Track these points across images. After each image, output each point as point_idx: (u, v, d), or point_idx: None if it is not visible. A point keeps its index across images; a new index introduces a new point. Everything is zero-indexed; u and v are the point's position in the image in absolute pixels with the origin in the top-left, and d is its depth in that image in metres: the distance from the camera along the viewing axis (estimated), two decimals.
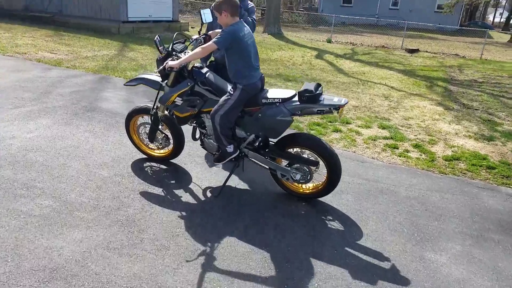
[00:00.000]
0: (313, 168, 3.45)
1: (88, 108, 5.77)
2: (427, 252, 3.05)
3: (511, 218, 3.64)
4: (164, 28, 15.22)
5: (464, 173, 4.58)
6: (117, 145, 4.52)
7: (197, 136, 3.86)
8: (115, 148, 4.43)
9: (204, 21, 3.78)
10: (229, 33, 3.17)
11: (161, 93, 3.67)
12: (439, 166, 4.73)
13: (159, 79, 3.70)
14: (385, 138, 5.48)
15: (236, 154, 3.55)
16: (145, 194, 3.53)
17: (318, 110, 3.20)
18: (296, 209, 3.52)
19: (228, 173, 3.83)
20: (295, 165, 3.48)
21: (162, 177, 3.89)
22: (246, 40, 3.26)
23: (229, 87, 3.49)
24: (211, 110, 3.51)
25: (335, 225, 3.31)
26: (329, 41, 16.00)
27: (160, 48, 3.47)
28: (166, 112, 3.82)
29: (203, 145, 3.80)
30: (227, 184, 3.77)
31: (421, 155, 5.01)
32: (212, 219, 3.25)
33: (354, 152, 4.95)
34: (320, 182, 3.58)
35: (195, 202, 3.49)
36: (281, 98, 3.28)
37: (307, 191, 3.63)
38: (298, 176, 3.47)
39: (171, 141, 4.02)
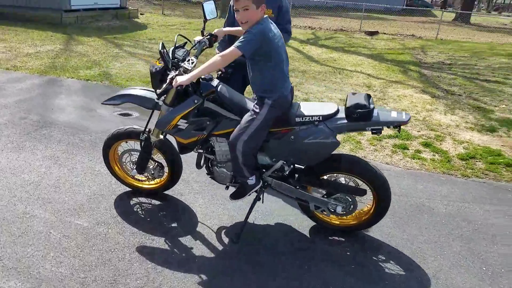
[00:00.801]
0: (358, 197, 2.80)
1: (41, 123, 4.68)
2: None
3: None
4: (112, 16, 13.71)
5: (486, 174, 4.19)
6: (89, 175, 3.59)
7: (202, 163, 3.05)
8: (88, 181, 3.50)
9: (208, 17, 2.95)
10: (257, 34, 2.38)
11: (157, 113, 2.83)
12: (458, 167, 4.30)
13: (152, 95, 2.84)
14: (390, 137, 4.96)
15: (259, 186, 2.82)
16: (145, 251, 2.70)
17: (373, 130, 2.54)
18: (336, 249, 2.86)
19: (241, 204, 3.06)
20: (335, 195, 2.81)
21: (159, 219, 3.05)
22: (277, 41, 2.49)
23: (250, 103, 2.72)
24: (225, 132, 2.74)
25: (393, 268, 2.70)
26: None
27: (168, 59, 2.61)
28: (161, 136, 2.98)
29: (211, 175, 3.01)
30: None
31: (434, 155, 4.56)
32: (240, 278, 2.51)
33: (365, 157, 4.38)
34: (363, 211, 2.94)
35: (212, 254, 2.72)
36: (322, 116, 2.57)
37: (347, 223, 2.98)
38: (339, 209, 2.81)
39: (166, 169, 3.19)
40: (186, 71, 2.59)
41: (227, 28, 3.08)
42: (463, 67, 9.79)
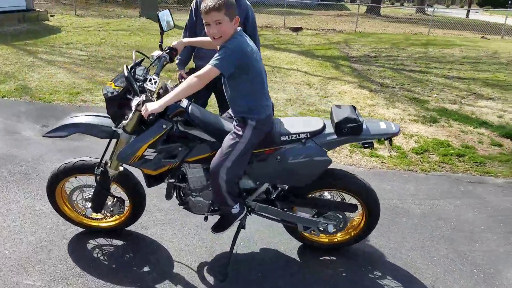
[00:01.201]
0: (350, 214, 2.63)
1: None
2: None
3: None
4: (18, 19, 12.18)
5: (442, 167, 4.33)
6: (29, 217, 3.01)
7: (172, 193, 2.66)
8: (30, 225, 2.93)
9: (164, 29, 2.56)
10: (235, 50, 2.09)
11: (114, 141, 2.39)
12: (415, 162, 4.39)
13: (108, 122, 2.40)
14: None
15: (244, 213, 2.52)
16: None
17: (365, 144, 2.37)
18: (329, 270, 2.67)
19: (221, 234, 2.71)
20: (325, 214, 2.61)
21: (126, 264, 2.62)
22: (255, 56, 2.21)
23: (227, 124, 2.40)
24: (200, 158, 2.40)
25: (391, 283, 2.57)
26: None
27: (134, 85, 2.20)
28: (121, 168, 2.54)
29: (185, 205, 2.63)
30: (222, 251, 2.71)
31: (390, 151, 4.60)
32: None
33: None
34: (352, 226, 2.78)
35: None
36: (309, 132, 2.34)
37: (336, 240, 2.80)
38: (331, 228, 2.61)
39: (127, 202, 2.75)
40: (150, 93, 2.21)
41: (188, 39, 2.71)
42: (388, 58, 10.26)
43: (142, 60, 2.47)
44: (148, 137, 2.28)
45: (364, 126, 2.36)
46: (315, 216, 2.63)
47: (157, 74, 2.34)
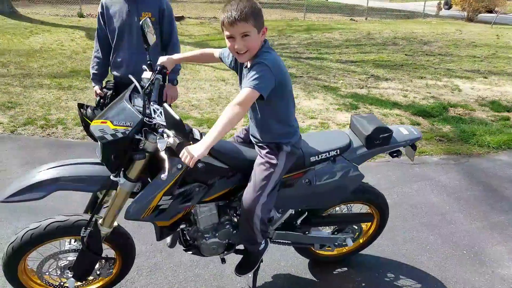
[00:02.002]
0: (366, 224, 2.57)
1: None
2: (499, 269, 2.79)
3: None
4: None
5: None
6: None
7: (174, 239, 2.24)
8: None
9: (150, 42, 2.09)
10: (273, 67, 1.78)
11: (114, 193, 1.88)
12: None
13: (98, 169, 1.87)
14: None
15: (268, 247, 2.26)
16: None
17: (393, 154, 2.29)
18: (347, 283, 2.59)
19: (248, 274, 2.37)
20: (344, 229, 2.50)
21: None
22: (286, 70, 1.93)
23: (248, 151, 2.08)
24: (219, 195, 2.05)
25: (410, 284, 2.61)
26: (81, 15, 13.32)
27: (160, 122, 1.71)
28: (115, 224, 2.03)
29: (194, 250, 2.24)
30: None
31: None
32: None
33: None
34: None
35: None
36: (339, 149, 2.17)
37: (345, 250, 2.72)
38: (350, 242, 2.52)
39: (115, 260, 2.23)
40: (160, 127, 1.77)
41: (179, 56, 2.27)
42: (282, 47, 10.50)
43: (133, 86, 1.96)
44: (160, 182, 1.84)
45: None
46: (335, 232, 2.50)
47: (156, 102, 1.89)
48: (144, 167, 1.83)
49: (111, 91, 3.01)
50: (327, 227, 2.55)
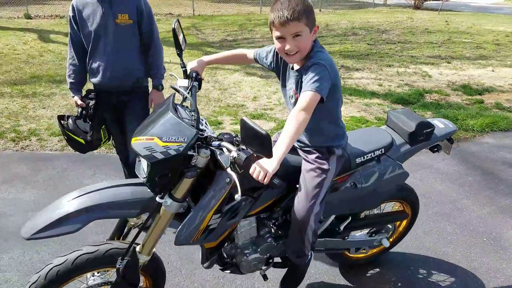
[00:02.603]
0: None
1: None
2: None
3: None
4: None
5: None
6: None
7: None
8: None
9: (182, 46, 1.88)
10: (330, 68, 1.64)
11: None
12: None
13: (142, 191, 1.64)
14: (275, 129, 4.74)
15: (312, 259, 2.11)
16: None
17: (434, 148, 2.21)
18: (383, 284, 2.50)
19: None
20: (381, 229, 2.40)
21: None
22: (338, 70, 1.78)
23: (294, 157, 1.91)
24: (263, 208, 1.88)
25: (443, 278, 2.56)
26: (28, 17, 12.33)
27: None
28: (154, 250, 1.79)
29: (232, 268, 2.04)
30: None
31: None
32: None
33: None
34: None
35: None
36: (384, 148, 2.05)
37: (375, 251, 2.62)
38: (386, 242, 2.43)
39: None
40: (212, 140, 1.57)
41: (210, 57, 2.05)
42: (247, 41, 10.33)
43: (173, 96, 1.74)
44: (210, 199, 1.64)
45: None
46: (373, 234, 2.39)
47: (195, 111, 1.68)
48: (192, 185, 1.61)
49: (93, 101, 2.72)
50: (364, 230, 2.44)
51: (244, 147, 1.42)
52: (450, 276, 2.57)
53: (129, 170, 2.98)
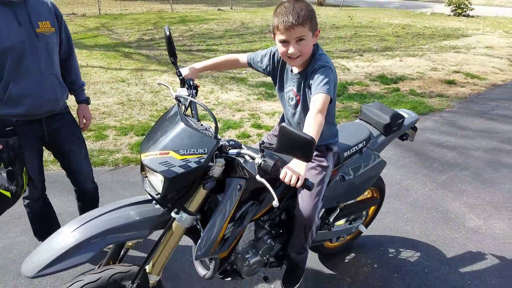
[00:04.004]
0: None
1: None
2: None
3: None
4: None
5: None
6: None
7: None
8: None
9: (176, 53, 1.79)
10: (334, 69, 1.70)
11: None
12: None
13: (151, 209, 1.55)
14: (226, 129, 4.73)
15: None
16: None
17: (403, 137, 2.38)
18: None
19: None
20: (358, 217, 2.55)
21: None
22: None
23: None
24: (266, 210, 1.89)
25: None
26: None
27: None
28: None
29: (233, 274, 2.01)
30: None
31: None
32: None
33: None
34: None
35: None
36: (365, 140, 2.17)
37: (350, 237, 2.77)
38: (362, 227, 2.59)
39: None
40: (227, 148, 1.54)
41: (202, 64, 1.98)
42: (164, 40, 10.01)
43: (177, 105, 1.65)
44: (225, 209, 1.60)
45: None
46: (352, 222, 2.52)
47: (214, 119, 1.62)
48: (206, 198, 1.56)
49: (15, 138, 2.10)
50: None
51: (263, 153, 1.43)
52: (416, 251, 2.82)
53: (87, 199, 2.58)
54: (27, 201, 2.41)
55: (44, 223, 2.54)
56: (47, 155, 3.34)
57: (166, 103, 5.55)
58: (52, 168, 3.71)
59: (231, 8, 17.57)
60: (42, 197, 2.44)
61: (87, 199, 2.58)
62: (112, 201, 1.65)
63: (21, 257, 2.61)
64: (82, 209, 2.59)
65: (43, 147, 2.32)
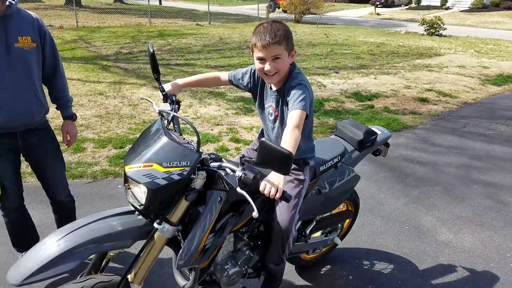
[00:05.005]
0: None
1: None
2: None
3: None
4: None
5: None
6: None
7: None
8: None
9: (159, 69, 1.85)
10: (308, 86, 1.80)
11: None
12: None
13: (134, 219, 1.58)
14: (207, 141, 4.76)
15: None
16: None
17: (376, 153, 2.48)
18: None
19: None
20: (334, 229, 2.62)
21: None
22: None
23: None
24: (245, 222, 1.95)
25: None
26: None
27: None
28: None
29: (212, 285, 2.04)
30: None
31: None
32: None
33: None
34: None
35: None
36: (340, 155, 2.26)
37: (326, 250, 2.84)
38: (338, 240, 2.67)
39: None
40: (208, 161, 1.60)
41: (184, 81, 2.04)
42: (144, 54, 10.04)
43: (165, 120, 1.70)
44: (206, 220, 1.64)
45: None
46: (328, 234, 2.59)
47: (196, 133, 1.67)
48: (188, 208, 1.60)
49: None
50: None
51: (243, 166, 1.49)
52: (389, 264, 2.91)
53: (62, 212, 2.58)
54: (4, 211, 2.40)
55: (23, 233, 2.54)
56: (25, 166, 3.29)
57: (144, 116, 5.55)
58: (31, 180, 3.66)
59: (210, 23, 17.76)
60: (20, 207, 2.44)
61: (63, 211, 2.60)
62: (90, 213, 1.68)
63: None
64: (59, 221, 2.59)
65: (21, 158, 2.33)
